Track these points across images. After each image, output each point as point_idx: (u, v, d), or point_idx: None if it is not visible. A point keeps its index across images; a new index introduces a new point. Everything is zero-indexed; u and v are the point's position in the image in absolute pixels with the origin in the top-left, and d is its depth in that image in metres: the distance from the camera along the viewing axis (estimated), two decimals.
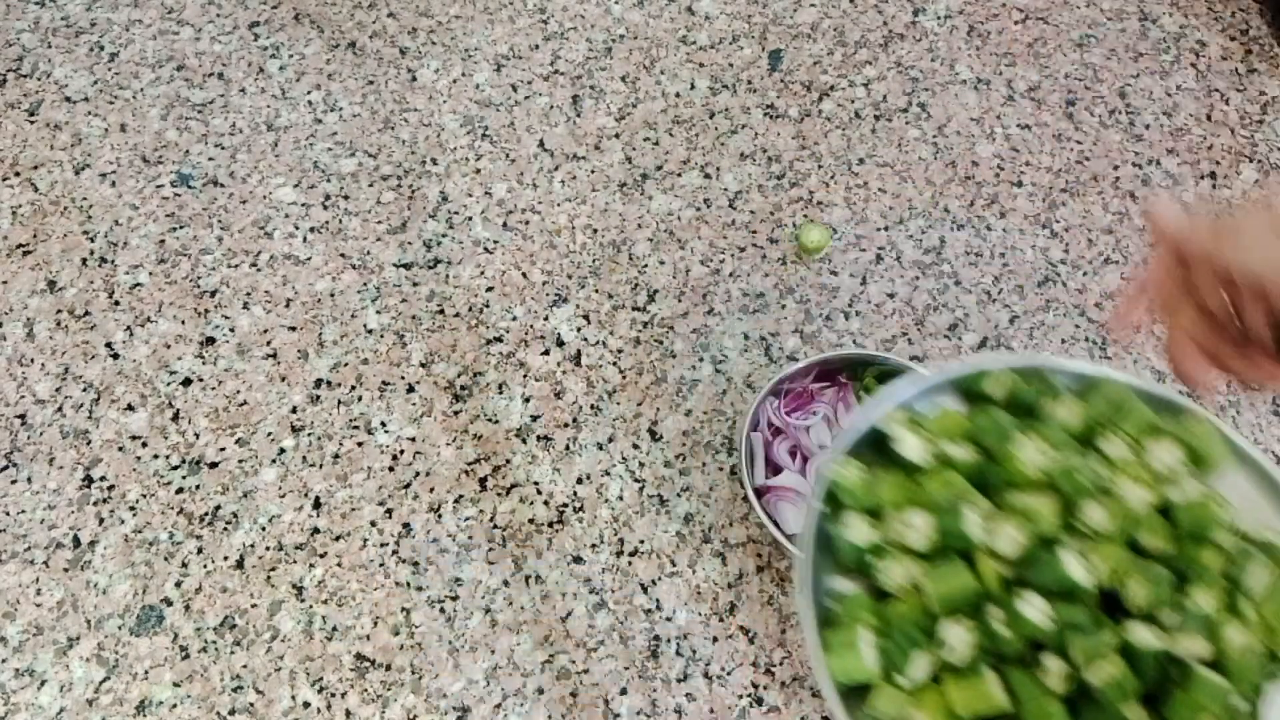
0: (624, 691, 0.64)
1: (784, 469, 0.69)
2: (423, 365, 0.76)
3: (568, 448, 0.73)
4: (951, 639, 0.41)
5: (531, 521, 0.70)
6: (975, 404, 0.49)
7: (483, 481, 0.71)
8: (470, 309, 0.79)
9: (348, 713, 0.63)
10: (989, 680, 0.40)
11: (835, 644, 0.42)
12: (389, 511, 0.70)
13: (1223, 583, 0.42)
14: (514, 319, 0.78)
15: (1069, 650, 0.40)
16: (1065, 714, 0.39)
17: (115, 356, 0.76)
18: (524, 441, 0.73)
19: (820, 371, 0.73)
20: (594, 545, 0.69)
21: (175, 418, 0.73)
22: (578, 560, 0.68)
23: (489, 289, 0.80)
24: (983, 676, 0.40)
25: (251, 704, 0.62)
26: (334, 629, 0.66)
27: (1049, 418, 0.47)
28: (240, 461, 0.72)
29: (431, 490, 0.71)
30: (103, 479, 0.71)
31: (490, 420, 0.74)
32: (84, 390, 0.75)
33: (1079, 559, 0.41)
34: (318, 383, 0.75)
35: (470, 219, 0.83)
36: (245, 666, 0.64)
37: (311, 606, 0.67)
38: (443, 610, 0.67)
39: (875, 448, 0.47)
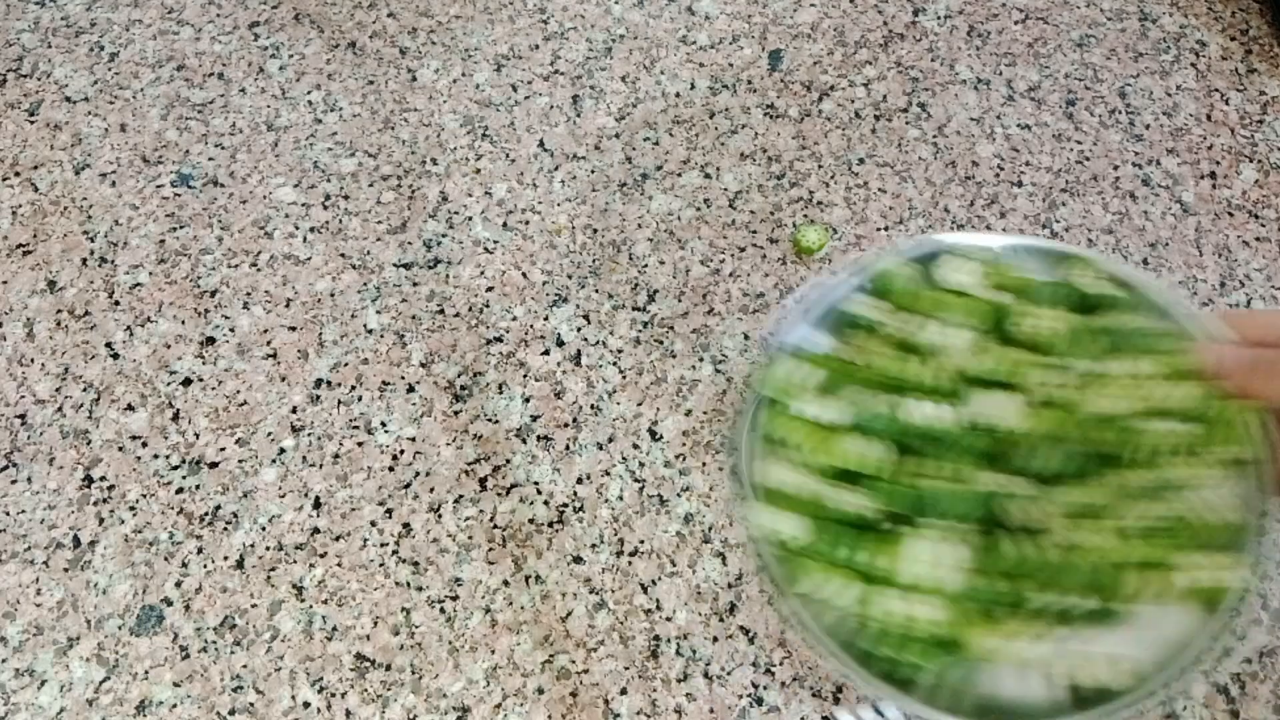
0: (624, 691, 0.64)
1: None
2: (423, 365, 0.76)
3: (568, 448, 0.73)
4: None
5: (531, 521, 0.70)
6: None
7: (483, 481, 0.71)
8: (470, 309, 0.79)
9: (348, 713, 0.63)
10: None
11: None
12: (389, 511, 0.70)
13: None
14: (514, 319, 0.78)
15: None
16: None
17: (115, 356, 0.76)
18: (524, 441, 0.73)
19: None
20: (594, 545, 0.69)
21: (175, 418, 0.74)
22: (578, 560, 0.68)
23: (489, 289, 0.80)
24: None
25: (251, 704, 0.63)
26: (334, 629, 0.66)
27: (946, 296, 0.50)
28: (240, 461, 0.72)
29: (431, 490, 0.71)
30: (103, 479, 0.71)
31: (490, 420, 0.74)
32: (84, 390, 0.75)
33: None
34: (318, 383, 0.75)
35: (470, 219, 0.84)
36: (245, 666, 0.64)
37: (311, 606, 0.67)
38: (443, 610, 0.67)
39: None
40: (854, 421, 0.47)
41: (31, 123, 0.89)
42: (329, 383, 0.75)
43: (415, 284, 0.80)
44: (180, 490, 0.70)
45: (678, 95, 0.92)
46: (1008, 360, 0.46)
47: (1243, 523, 0.44)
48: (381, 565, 0.68)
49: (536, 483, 0.71)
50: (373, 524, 0.70)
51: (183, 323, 0.78)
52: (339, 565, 0.68)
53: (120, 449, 0.72)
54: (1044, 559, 0.43)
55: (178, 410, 0.74)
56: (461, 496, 0.71)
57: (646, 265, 0.81)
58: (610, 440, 0.73)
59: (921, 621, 0.43)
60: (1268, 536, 0.43)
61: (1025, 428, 0.45)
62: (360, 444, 0.73)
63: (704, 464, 0.72)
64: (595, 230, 0.83)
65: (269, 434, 0.73)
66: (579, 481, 0.71)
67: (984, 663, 0.43)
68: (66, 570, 0.67)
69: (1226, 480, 0.44)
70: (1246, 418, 0.43)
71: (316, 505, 0.70)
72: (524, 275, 0.81)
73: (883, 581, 0.44)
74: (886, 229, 0.83)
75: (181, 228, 0.83)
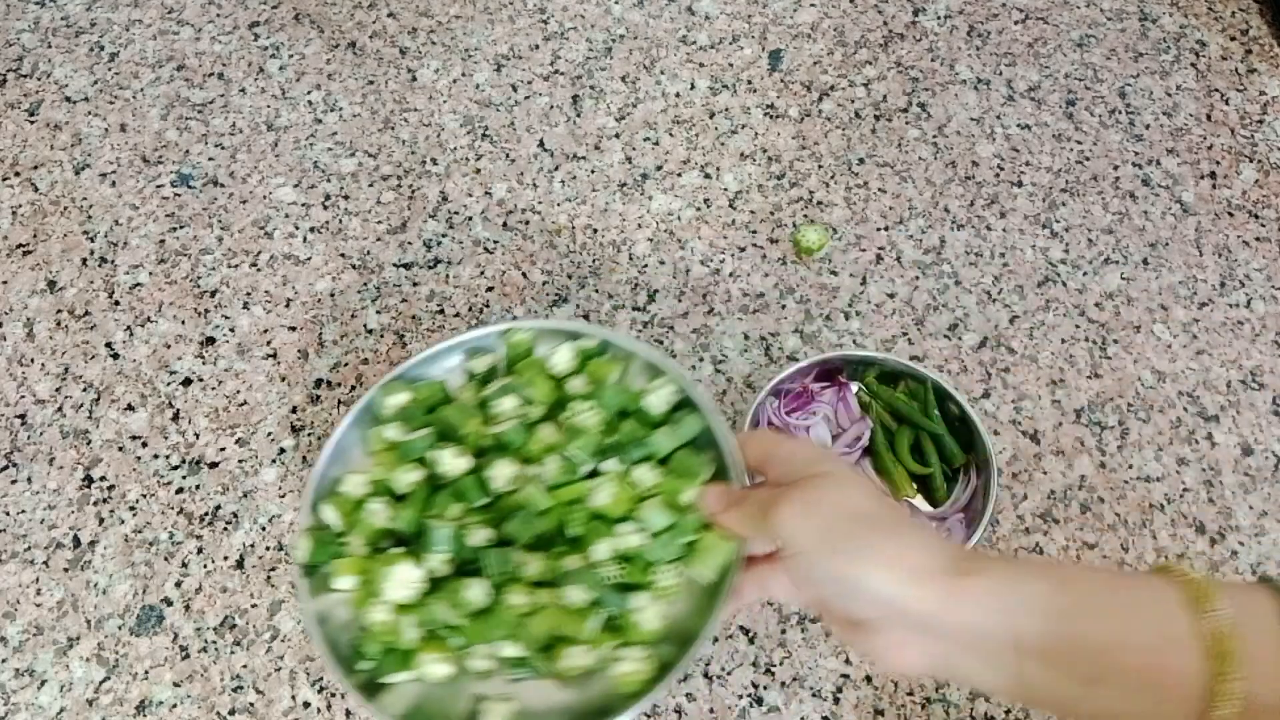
0: None
1: None
2: None
3: None
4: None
5: None
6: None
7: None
8: (470, 309, 0.79)
9: (348, 713, 0.63)
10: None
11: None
12: None
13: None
14: (514, 319, 0.78)
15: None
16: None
17: (115, 356, 0.76)
18: None
19: (820, 371, 0.72)
20: None
21: (175, 418, 0.73)
22: None
23: (489, 289, 0.80)
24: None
25: (251, 704, 0.62)
26: None
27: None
28: (240, 461, 0.72)
29: None
30: (103, 479, 0.71)
31: None
32: (84, 390, 0.75)
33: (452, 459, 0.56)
34: (318, 383, 0.75)
35: (470, 219, 0.83)
36: (245, 666, 0.64)
37: None
38: None
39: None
40: (402, 447, 0.57)
41: (31, 123, 0.89)
42: (329, 383, 0.75)
43: (415, 284, 0.80)
44: (180, 490, 0.70)
45: (678, 95, 0.92)
46: (539, 439, 0.56)
47: (679, 632, 0.52)
48: None
49: None
50: None
51: (183, 323, 0.78)
52: None
53: (120, 449, 0.72)
54: (492, 608, 0.53)
55: (178, 410, 0.74)
56: None
57: (646, 265, 0.81)
58: None
59: (387, 631, 0.53)
60: (690, 654, 0.49)
61: (516, 496, 0.55)
62: None
63: None
64: (595, 230, 0.83)
65: (269, 434, 0.73)
66: None
67: (435, 677, 0.53)
68: (66, 570, 0.67)
69: (683, 595, 0.53)
70: (724, 546, 0.51)
71: None
72: (524, 275, 0.81)
73: (374, 593, 0.53)
74: (886, 229, 0.83)
75: (181, 228, 0.83)
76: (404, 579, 0.52)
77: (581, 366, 0.61)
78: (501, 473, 0.55)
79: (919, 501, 0.69)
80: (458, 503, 0.56)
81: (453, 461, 0.56)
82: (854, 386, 0.72)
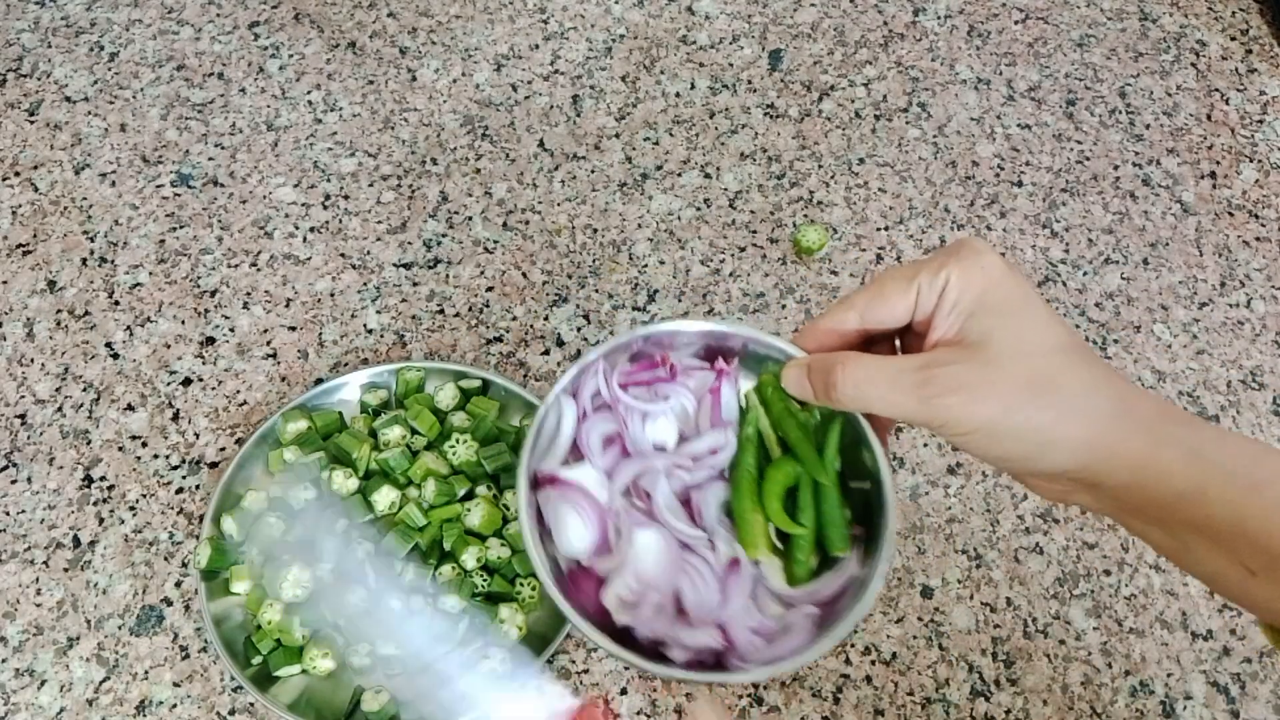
0: (624, 691, 0.64)
1: (585, 458, 0.45)
2: None
3: None
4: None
5: None
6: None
7: None
8: (470, 309, 0.79)
9: None
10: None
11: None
12: None
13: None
14: (514, 319, 0.78)
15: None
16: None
17: (115, 356, 0.76)
18: None
19: (707, 348, 0.48)
20: None
21: (175, 418, 0.73)
22: None
23: (489, 289, 0.80)
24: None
25: (251, 704, 0.62)
26: None
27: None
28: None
29: None
30: (103, 479, 0.71)
31: None
32: (84, 390, 0.75)
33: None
34: (318, 382, 0.75)
35: (470, 219, 0.83)
36: None
37: None
38: None
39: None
40: (297, 468, 0.66)
41: (31, 123, 0.89)
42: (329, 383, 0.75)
43: (415, 284, 0.80)
44: (180, 490, 0.70)
45: (678, 95, 0.92)
46: (421, 466, 0.66)
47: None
48: None
49: None
50: None
51: (183, 323, 0.78)
52: None
53: (120, 449, 0.72)
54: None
55: (178, 410, 0.74)
56: None
57: (646, 265, 0.81)
58: None
59: (279, 630, 0.61)
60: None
61: (392, 514, 0.65)
62: None
63: None
64: (595, 230, 0.83)
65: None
66: None
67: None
68: (66, 570, 0.67)
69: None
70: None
71: None
72: (524, 275, 0.81)
73: (270, 594, 0.62)
74: (886, 229, 0.83)
75: (181, 228, 0.83)
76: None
77: (463, 404, 0.70)
78: (384, 497, 0.65)
79: (767, 566, 0.44)
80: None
81: (343, 483, 0.65)
82: (743, 383, 0.47)
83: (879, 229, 0.83)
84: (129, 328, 0.78)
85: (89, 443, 0.72)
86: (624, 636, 0.41)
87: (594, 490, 0.45)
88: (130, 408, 0.74)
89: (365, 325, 0.78)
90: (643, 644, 0.41)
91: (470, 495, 0.67)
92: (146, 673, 0.64)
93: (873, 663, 0.64)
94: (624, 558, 0.43)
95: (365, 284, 0.80)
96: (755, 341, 0.47)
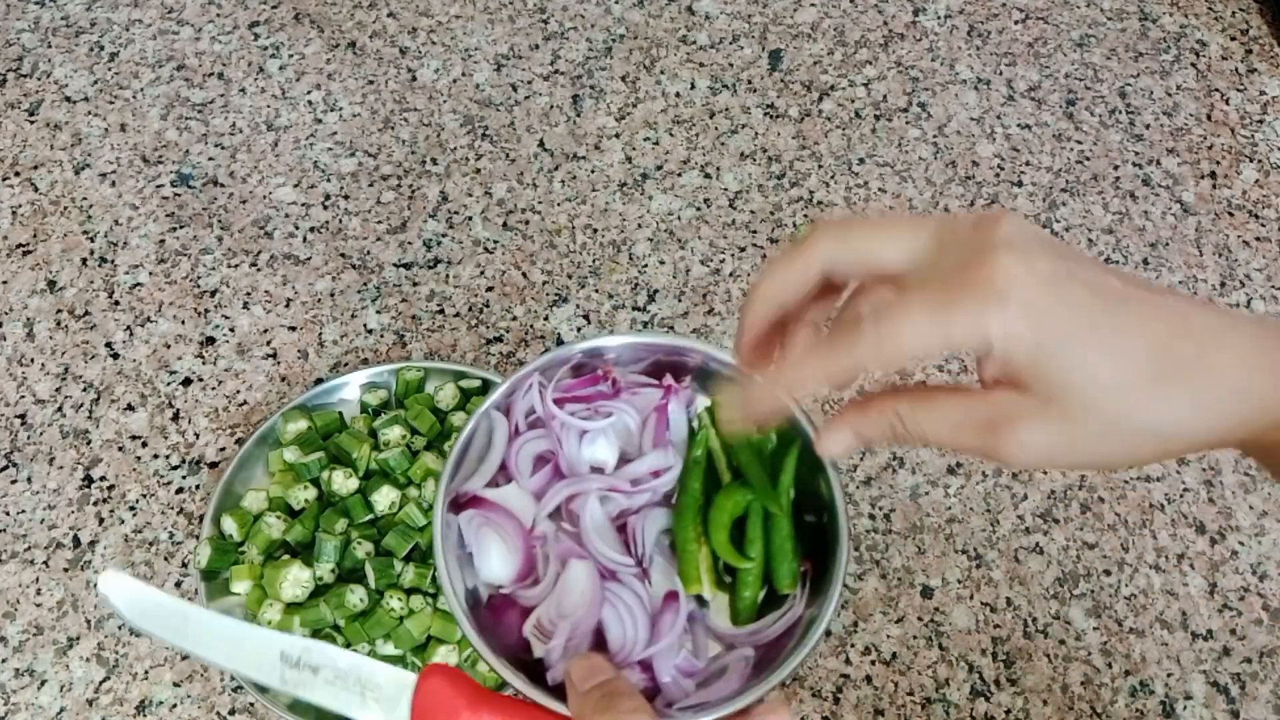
0: None
1: (513, 479, 0.43)
2: None
3: None
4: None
5: None
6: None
7: None
8: (470, 309, 0.79)
9: None
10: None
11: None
12: None
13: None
14: (514, 319, 0.78)
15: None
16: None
17: (115, 356, 0.76)
18: None
19: (654, 363, 0.45)
20: None
21: (175, 418, 0.73)
22: None
23: (489, 289, 0.80)
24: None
25: (251, 704, 0.62)
26: None
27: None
28: None
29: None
30: (103, 479, 0.71)
31: None
32: (84, 390, 0.75)
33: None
34: (318, 382, 0.75)
35: (470, 219, 0.83)
36: None
37: None
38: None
39: None
40: (297, 468, 0.65)
41: (31, 123, 0.89)
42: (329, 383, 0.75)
43: (415, 284, 0.80)
44: (180, 490, 0.70)
45: (678, 95, 0.92)
46: (421, 466, 0.66)
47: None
48: None
49: None
50: None
51: (183, 323, 0.78)
52: None
53: (120, 449, 0.72)
54: (372, 611, 0.61)
55: (178, 410, 0.74)
56: None
57: (646, 265, 0.81)
58: None
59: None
60: None
61: (392, 514, 0.64)
62: None
63: None
64: (595, 230, 0.83)
65: None
66: None
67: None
68: (66, 570, 0.67)
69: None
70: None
71: None
72: (524, 275, 0.81)
73: (270, 594, 0.61)
74: None
75: (181, 228, 0.83)
76: (295, 579, 0.61)
77: (463, 404, 0.70)
78: (384, 497, 0.65)
79: (712, 606, 0.41)
80: (345, 519, 0.64)
81: (343, 483, 0.65)
82: (696, 401, 0.45)
83: None
84: (129, 328, 0.78)
85: (89, 443, 0.72)
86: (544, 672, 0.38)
87: (520, 514, 0.41)
88: (130, 408, 0.74)
89: (365, 325, 0.78)
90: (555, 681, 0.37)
91: None
92: (146, 673, 0.64)
93: (873, 663, 0.64)
94: (549, 587, 0.40)
95: (365, 284, 0.80)
96: (713, 359, 0.43)
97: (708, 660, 0.39)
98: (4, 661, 0.64)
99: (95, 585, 0.67)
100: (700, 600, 0.40)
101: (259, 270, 0.81)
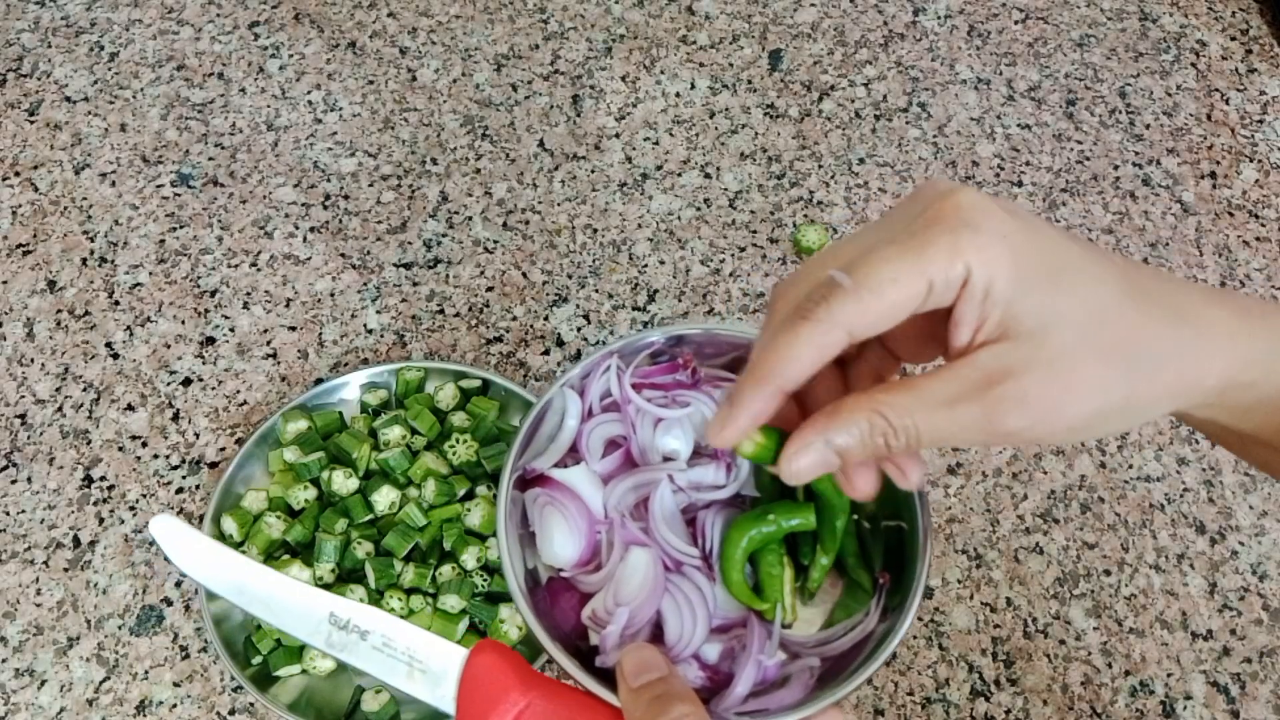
0: None
1: (583, 460, 0.41)
2: None
3: None
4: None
5: None
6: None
7: None
8: (470, 309, 0.79)
9: None
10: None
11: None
12: None
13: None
14: (514, 319, 0.78)
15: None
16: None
17: (115, 356, 0.76)
18: None
19: (737, 359, 0.43)
20: None
21: (175, 418, 0.73)
22: None
23: (489, 289, 0.80)
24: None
25: (251, 704, 0.62)
26: None
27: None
28: None
29: None
30: (103, 479, 0.71)
31: None
32: (84, 390, 0.75)
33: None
34: (318, 382, 0.75)
35: (470, 219, 0.83)
36: None
37: None
38: None
39: None
40: (297, 468, 0.65)
41: (31, 123, 0.89)
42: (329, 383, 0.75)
43: (415, 284, 0.80)
44: (180, 490, 0.70)
45: (678, 95, 0.92)
46: (421, 466, 0.66)
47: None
48: None
49: None
50: None
51: (183, 323, 0.78)
52: None
53: (120, 449, 0.72)
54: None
55: (178, 410, 0.74)
56: None
57: (646, 265, 0.81)
58: None
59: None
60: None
61: (392, 514, 0.65)
62: None
63: None
64: (595, 230, 0.83)
65: None
66: None
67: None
68: (66, 570, 0.67)
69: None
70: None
71: None
72: (524, 275, 0.81)
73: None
74: None
75: (181, 228, 0.83)
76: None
77: (463, 404, 0.70)
78: (384, 497, 0.65)
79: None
80: (345, 519, 0.65)
81: (343, 483, 0.65)
82: None
83: None
84: (129, 328, 0.78)
85: (89, 443, 0.72)
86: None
87: (587, 496, 0.40)
88: (130, 408, 0.74)
89: (365, 325, 0.78)
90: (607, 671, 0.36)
91: (470, 495, 0.67)
92: (146, 673, 0.64)
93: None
94: (610, 574, 0.39)
95: (365, 284, 0.80)
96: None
97: (771, 667, 0.37)
98: (4, 661, 0.64)
99: (96, 584, 0.67)
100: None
101: (259, 270, 0.81)
